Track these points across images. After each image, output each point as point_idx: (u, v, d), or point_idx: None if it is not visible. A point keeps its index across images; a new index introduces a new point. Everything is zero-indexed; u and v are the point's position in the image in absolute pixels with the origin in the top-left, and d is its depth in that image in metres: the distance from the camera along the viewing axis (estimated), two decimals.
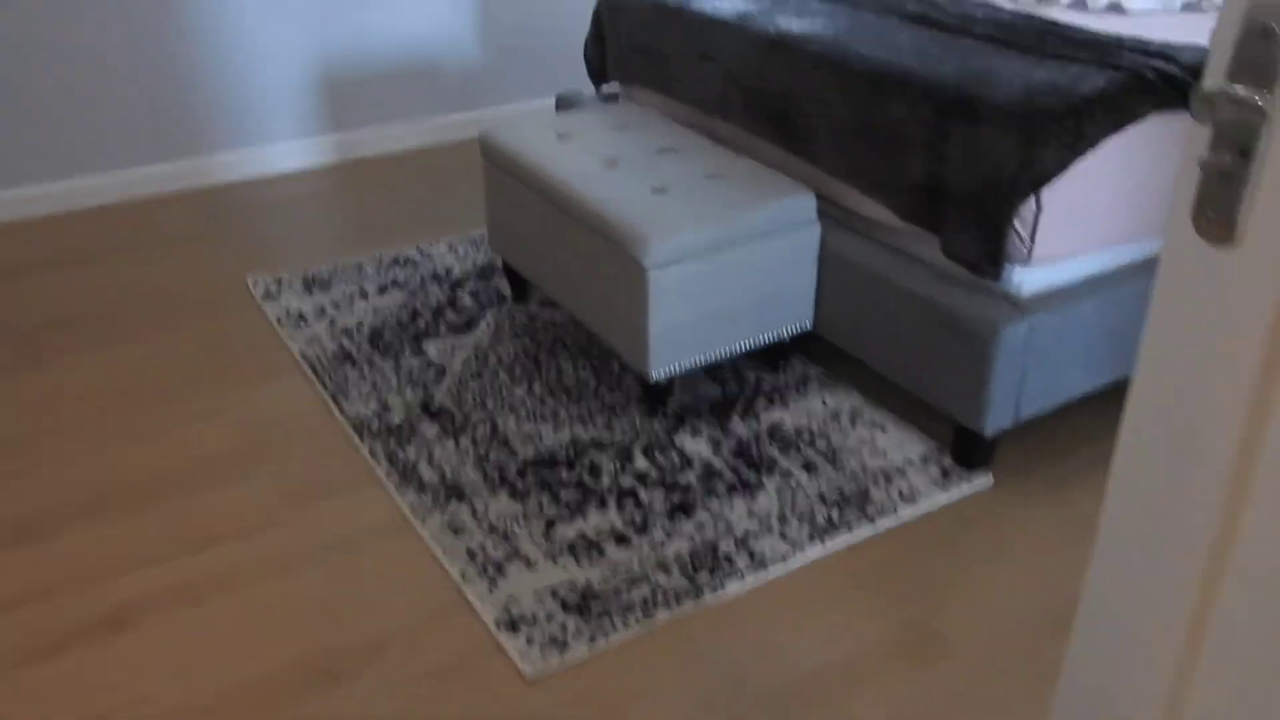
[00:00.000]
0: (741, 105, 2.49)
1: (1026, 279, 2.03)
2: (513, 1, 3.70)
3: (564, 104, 3.09)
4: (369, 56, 3.54)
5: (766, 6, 2.57)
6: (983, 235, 1.97)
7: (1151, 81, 1.99)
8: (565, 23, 3.81)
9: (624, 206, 2.18)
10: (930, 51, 2.21)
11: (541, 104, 3.89)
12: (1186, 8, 2.54)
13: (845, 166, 2.25)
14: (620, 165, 2.37)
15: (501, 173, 2.55)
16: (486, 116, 3.83)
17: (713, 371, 2.45)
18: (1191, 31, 2.35)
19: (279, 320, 2.67)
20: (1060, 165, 1.90)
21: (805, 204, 2.24)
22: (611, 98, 3.08)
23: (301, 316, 2.69)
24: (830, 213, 2.34)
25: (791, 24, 2.43)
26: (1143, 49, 2.14)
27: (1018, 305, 2.00)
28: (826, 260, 2.29)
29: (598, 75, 3.05)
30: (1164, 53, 2.11)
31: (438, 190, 3.45)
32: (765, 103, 2.41)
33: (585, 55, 3.05)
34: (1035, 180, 1.89)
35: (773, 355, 2.44)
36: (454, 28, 3.64)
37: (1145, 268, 2.16)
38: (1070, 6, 2.57)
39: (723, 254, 2.17)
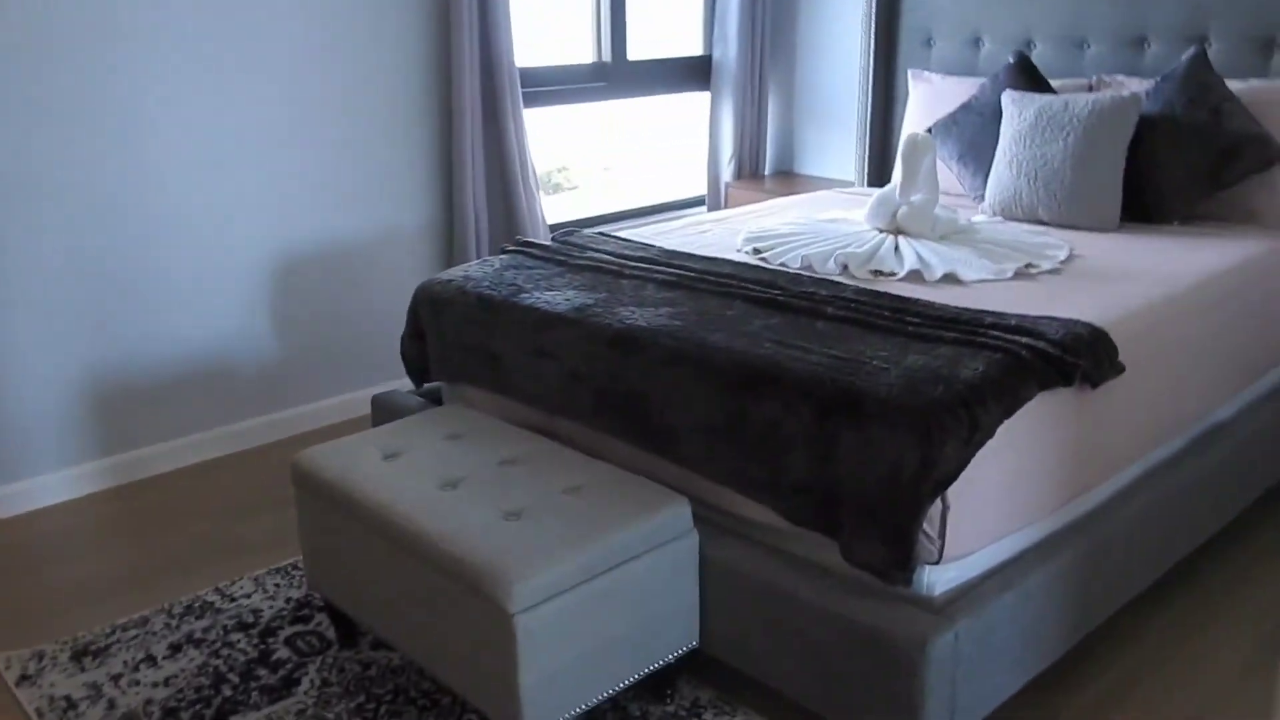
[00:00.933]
0: (590, 405, 2.27)
1: (938, 579, 1.83)
2: (312, 294, 3.43)
3: (382, 408, 2.79)
4: (151, 364, 3.15)
5: (603, 296, 2.42)
6: (888, 540, 1.77)
7: (1030, 361, 1.91)
8: (371, 314, 3.57)
9: (475, 539, 1.86)
10: (790, 339, 2.08)
11: (352, 398, 3.57)
12: (1017, 275, 2.57)
13: (719, 468, 2.04)
14: (462, 486, 2.06)
15: (319, 501, 2.19)
16: (291, 417, 3.46)
17: (591, 713, 2.09)
18: (1028, 300, 2.34)
19: (39, 713, 2.13)
20: (962, 461, 1.74)
21: (679, 513, 1.99)
22: (432, 398, 2.82)
23: (70, 704, 2.15)
24: (707, 517, 2.09)
25: (635, 316, 2.27)
26: (1002, 324, 2.08)
27: (938, 611, 1.79)
28: (709, 571, 2.03)
29: (418, 374, 2.78)
30: (1026, 328, 2.06)
31: (239, 510, 3.01)
32: (617, 402, 2.20)
33: (403, 353, 2.79)
34: (939, 481, 1.72)
35: (658, 683, 2.11)
36: (249, 325, 3.33)
37: (1049, 545, 2.01)
38: (904, 280, 2.55)
39: (595, 582, 1.86)
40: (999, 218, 3.15)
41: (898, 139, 3.99)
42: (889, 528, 1.76)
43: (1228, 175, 2.93)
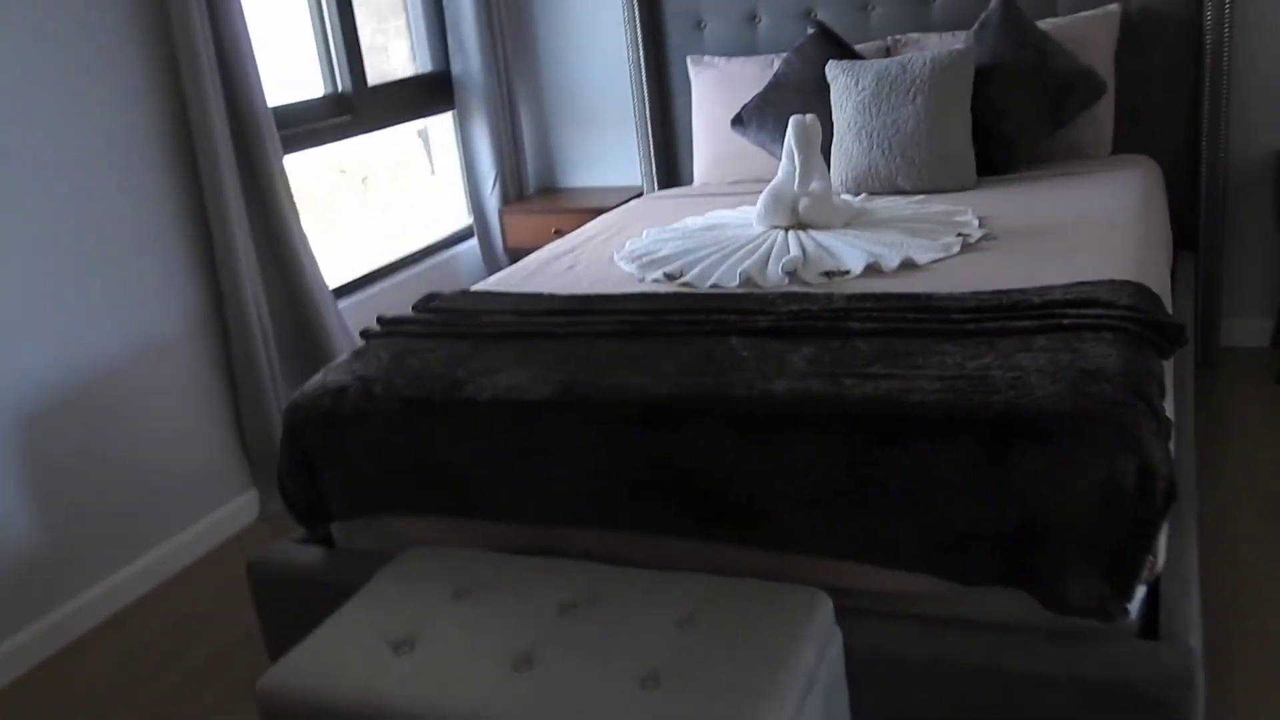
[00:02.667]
0: (621, 502, 1.80)
1: (1133, 604, 1.60)
2: (63, 446, 2.55)
3: (266, 578, 2.10)
4: None
5: (570, 366, 1.93)
6: (1112, 571, 1.50)
7: (1143, 335, 1.73)
8: (144, 450, 2.73)
9: None
10: (857, 368, 1.74)
11: (145, 566, 2.71)
12: (964, 249, 2.40)
13: (837, 541, 1.67)
14: (537, 659, 1.53)
15: None
16: (70, 615, 2.56)
17: None
18: (1008, 272, 2.17)
19: None
20: (1169, 459, 1.51)
21: (826, 614, 1.59)
22: (322, 540, 2.18)
23: None
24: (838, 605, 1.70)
25: (641, 381, 1.82)
26: (1057, 300, 1.89)
27: (1170, 638, 1.55)
28: (860, 671, 1.65)
29: (311, 515, 2.12)
30: (1087, 299, 1.88)
31: None
32: (667, 490, 1.76)
33: (285, 493, 2.12)
34: (1168, 488, 1.48)
35: None
36: None
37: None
38: (861, 277, 2.30)
39: None
40: (863, 194, 2.99)
41: (682, 133, 3.76)
42: (1112, 557, 1.50)
43: (1066, 112, 2.97)
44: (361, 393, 2.01)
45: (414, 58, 3.94)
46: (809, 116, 2.62)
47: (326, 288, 3.16)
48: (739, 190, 3.32)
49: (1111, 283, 1.96)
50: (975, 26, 3.08)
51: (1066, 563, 1.52)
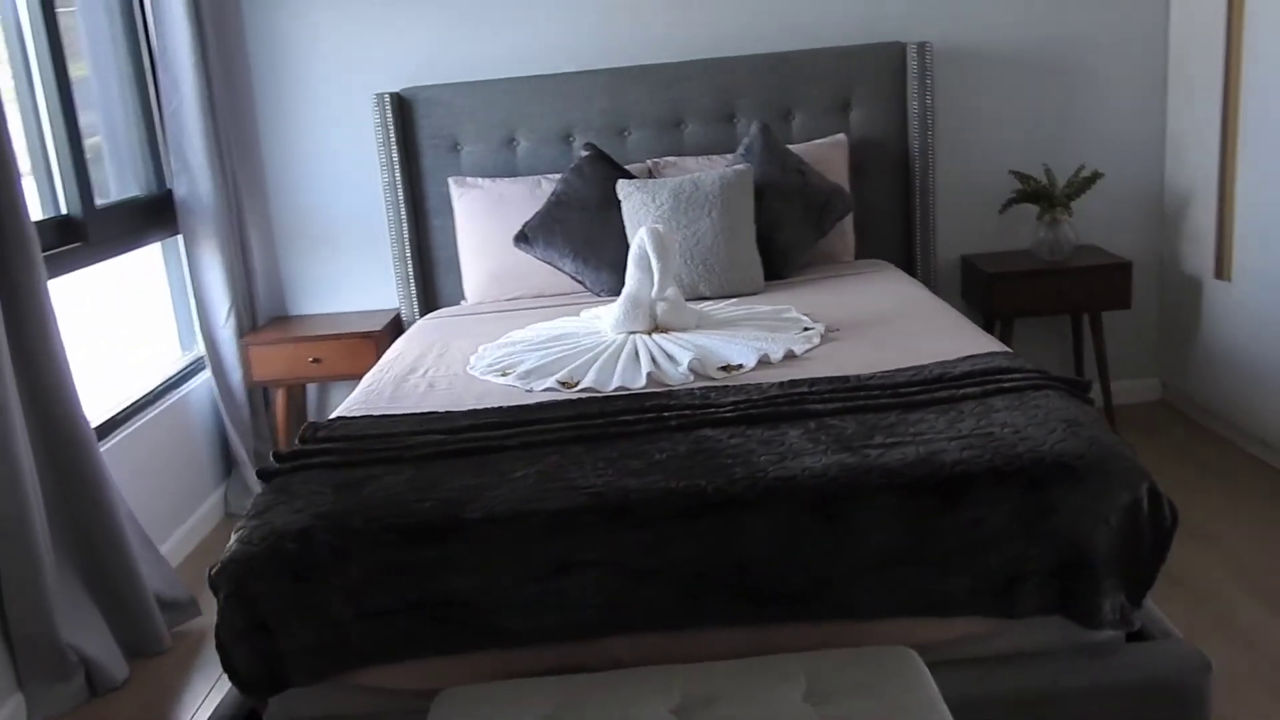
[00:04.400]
0: (671, 602, 1.75)
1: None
2: None
3: None
4: None
5: (574, 474, 1.86)
6: (1134, 587, 1.76)
7: (1071, 392, 2.05)
8: None
9: None
10: (867, 441, 1.88)
11: None
12: (825, 339, 2.64)
13: (893, 600, 1.77)
14: None
15: None
16: None
17: None
18: (875, 356, 2.43)
19: None
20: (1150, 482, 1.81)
21: (919, 666, 1.66)
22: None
23: None
24: None
25: (645, 481, 1.81)
26: (975, 371, 2.18)
27: (1170, 635, 1.83)
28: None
29: (265, 685, 1.79)
30: (995, 368, 2.18)
31: None
32: (720, 583, 1.75)
33: (231, 666, 1.77)
34: (1173, 511, 1.77)
35: None
36: None
37: None
38: (753, 370, 2.45)
39: None
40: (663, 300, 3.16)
41: (440, 254, 3.70)
42: (1135, 575, 1.75)
43: (826, 224, 3.39)
44: (334, 529, 1.77)
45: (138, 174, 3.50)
46: (661, 227, 2.76)
47: (92, 432, 2.68)
48: (520, 306, 3.35)
49: (991, 354, 2.29)
50: (740, 150, 3.44)
51: (1100, 583, 1.75)
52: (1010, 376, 2.10)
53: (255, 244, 3.78)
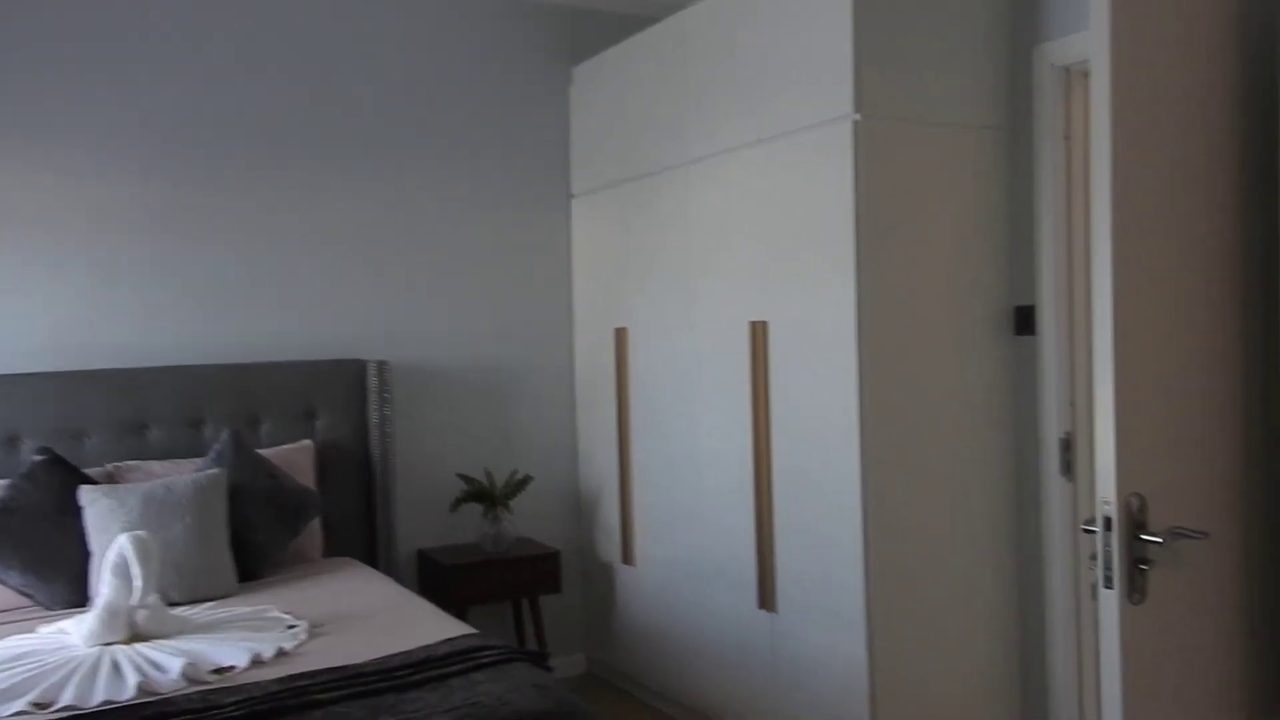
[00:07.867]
0: None
1: None
2: None
3: None
4: None
5: None
6: None
7: (528, 660, 2.46)
8: None
9: None
10: (394, 715, 2.11)
11: None
12: (312, 635, 2.79)
13: None
14: None
15: None
16: None
17: None
18: (355, 645, 2.69)
19: None
20: None
21: None
22: None
23: None
24: None
25: None
26: (439, 655, 2.51)
27: None
28: None
29: None
30: (461, 651, 2.53)
31: None
32: None
33: None
34: None
35: None
36: None
37: None
38: (246, 669, 2.53)
39: None
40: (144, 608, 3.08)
41: None
42: None
43: (299, 524, 3.58)
44: None
45: None
46: (143, 533, 2.76)
47: None
48: None
49: (465, 635, 2.65)
50: (211, 454, 3.55)
51: None
52: (485, 654, 2.47)
53: None
